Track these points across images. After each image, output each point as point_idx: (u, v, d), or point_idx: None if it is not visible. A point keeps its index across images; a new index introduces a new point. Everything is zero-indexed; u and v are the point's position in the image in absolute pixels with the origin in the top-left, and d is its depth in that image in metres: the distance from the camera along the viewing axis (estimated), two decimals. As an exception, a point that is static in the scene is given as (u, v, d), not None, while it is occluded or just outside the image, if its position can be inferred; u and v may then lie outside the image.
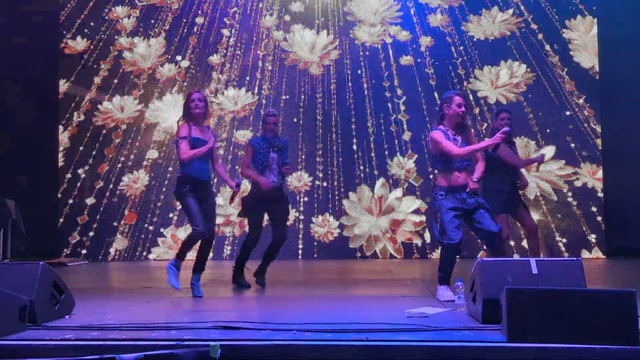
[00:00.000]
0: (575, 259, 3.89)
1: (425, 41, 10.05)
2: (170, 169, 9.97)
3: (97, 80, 10.20)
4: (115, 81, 10.20)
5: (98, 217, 9.91)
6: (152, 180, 9.99)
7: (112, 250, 9.82)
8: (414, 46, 10.05)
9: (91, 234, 9.86)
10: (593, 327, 3.00)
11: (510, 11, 9.98)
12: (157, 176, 10.01)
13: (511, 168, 5.90)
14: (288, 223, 6.45)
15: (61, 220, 9.92)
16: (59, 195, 9.96)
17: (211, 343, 3.01)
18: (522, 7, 9.96)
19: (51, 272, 3.89)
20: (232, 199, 5.46)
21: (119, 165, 10.02)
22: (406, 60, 10.01)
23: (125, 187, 9.97)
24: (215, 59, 10.24)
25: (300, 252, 9.71)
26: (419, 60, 9.97)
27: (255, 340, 3.14)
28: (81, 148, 10.05)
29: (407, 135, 9.84)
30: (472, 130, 5.12)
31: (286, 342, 3.11)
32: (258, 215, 5.89)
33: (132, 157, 10.05)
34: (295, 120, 9.98)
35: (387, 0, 10.26)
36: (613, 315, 3.00)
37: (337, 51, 10.17)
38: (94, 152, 10.06)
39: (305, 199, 9.82)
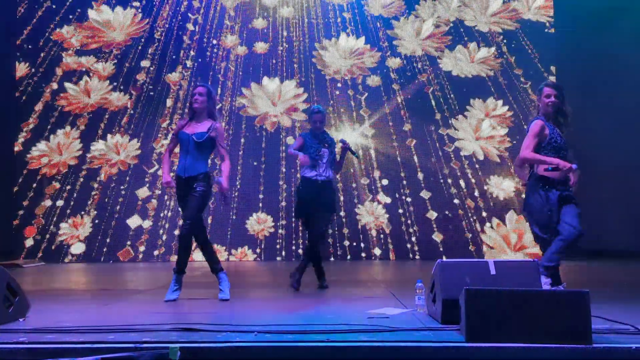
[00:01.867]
0: (531, 260, 3.98)
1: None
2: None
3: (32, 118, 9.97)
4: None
5: (55, 218, 9.68)
6: (112, 183, 9.81)
7: (70, 252, 9.60)
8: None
9: (47, 235, 9.63)
10: (549, 327, 3.07)
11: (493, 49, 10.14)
12: (120, 176, 9.84)
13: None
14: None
15: (15, 222, 9.66)
16: (14, 196, 9.70)
17: (170, 345, 2.98)
18: (504, 49, 10.16)
19: (4, 273, 3.78)
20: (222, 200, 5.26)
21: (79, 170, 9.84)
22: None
23: (84, 187, 9.78)
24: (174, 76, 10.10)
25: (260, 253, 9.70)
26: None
27: (215, 342, 3.12)
28: (39, 144, 9.85)
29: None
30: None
31: (247, 343, 3.10)
32: (307, 208, 5.80)
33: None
34: (255, 163, 9.86)
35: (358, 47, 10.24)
36: (568, 314, 3.08)
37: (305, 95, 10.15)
38: (53, 151, 9.84)
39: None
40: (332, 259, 9.56)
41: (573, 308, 3.10)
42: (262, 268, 8.68)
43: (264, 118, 10.02)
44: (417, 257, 9.57)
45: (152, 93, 10.03)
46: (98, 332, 3.38)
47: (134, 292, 5.78)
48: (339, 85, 10.07)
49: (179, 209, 5.26)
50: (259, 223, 9.71)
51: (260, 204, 9.76)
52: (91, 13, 10.22)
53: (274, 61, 10.14)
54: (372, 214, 9.72)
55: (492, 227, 9.58)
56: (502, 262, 3.95)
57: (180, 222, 4.98)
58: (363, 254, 9.63)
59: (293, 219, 8.75)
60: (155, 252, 9.58)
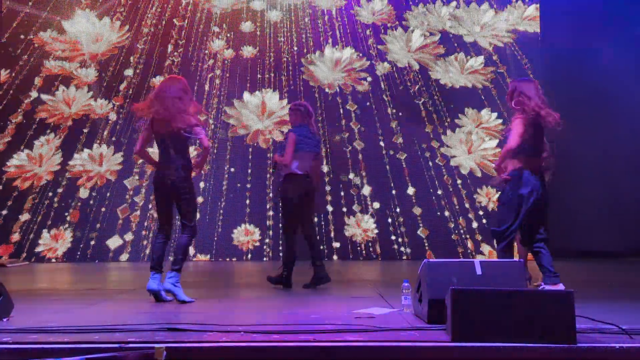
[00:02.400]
0: (517, 260, 4.00)
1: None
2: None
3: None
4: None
5: (40, 217, 9.58)
6: (93, 197, 9.68)
7: (55, 252, 9.51)
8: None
9: (32, 235, 9.53)
10: (534, 326, 3.09)
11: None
12: (102, 189, 9.70)
13: None
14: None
15: (-1, 221, 9.57)
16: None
17: (156, 345, 2.96)
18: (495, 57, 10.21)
19: (-12, 273, 3.74)
20: None
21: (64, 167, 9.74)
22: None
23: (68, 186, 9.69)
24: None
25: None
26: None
27: (201, 342, 3.11)
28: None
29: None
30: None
31: (233, 343, 3.09)
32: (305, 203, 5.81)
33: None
34: (239, 185, 9.77)
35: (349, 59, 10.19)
36: (553, 314, 3.11)
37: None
38: (32, 162, 9.74)
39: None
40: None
41: (558, 308, 3.12)
42: (249, 268, 8.66)
43: (254, 136, 9.87)
44: (404, 257, 9.61)
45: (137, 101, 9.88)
46: (83, 332, 3.35)
47: (119, 291, 5.74)
48: (329, 98, 10.00)
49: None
50: (246, 235, 9.63)
51: (247, 218, 9.68)
52: (70, 24, 9.98)
53: (259, 76, 10.00)
54: (359, 226, 9.71)
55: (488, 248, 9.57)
56: (488, 262, 3.97)
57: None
58: (350, 255, 9.65)
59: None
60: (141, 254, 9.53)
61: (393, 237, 9.68)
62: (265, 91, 9.98)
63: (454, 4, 10.23)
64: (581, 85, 9.39)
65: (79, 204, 9.59)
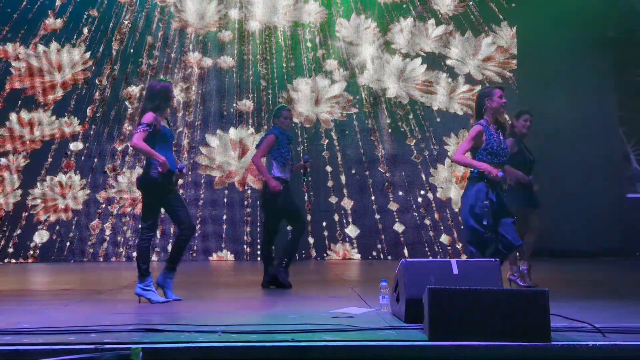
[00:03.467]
0: (492, 260, 4.04)
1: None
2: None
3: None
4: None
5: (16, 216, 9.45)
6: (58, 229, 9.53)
7: (30, 251, 9.37)
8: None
9: (7, 233, 9.39)
10: (509, 325, 3.13)
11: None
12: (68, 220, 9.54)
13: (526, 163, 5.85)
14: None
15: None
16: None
17: (132, 346, 2.94)
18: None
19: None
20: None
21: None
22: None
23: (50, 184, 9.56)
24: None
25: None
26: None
27: (178, 342, 3.08)
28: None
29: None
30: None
31: (211, 344, 3.07)
32: (283, 208, 5.76)
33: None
34: (215, 212, 9.70)
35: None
36: (528, 313, 3.15)
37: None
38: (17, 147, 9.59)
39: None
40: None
41: (533, 306, 3.16)
42: (226, 268, 8.63)
43: (230, 175, 9.78)
44: (382, 256, 9.66)
45: (108, 117, 9.73)
46: (58, 333, 3.30)
47: (95, 292, 5.68)
48: (312, 130, 9.98)
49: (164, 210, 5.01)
50: (220, 261, 9.54)
51: (223, 244, 9.62)
52: (33, 56, 9.75)
53: (233, 111, 9.90)
54: (339, 255, 9.73)
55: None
56: (465, 261, 4.01)
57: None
58: (326, 254, 9.67)
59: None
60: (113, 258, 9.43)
61: (371, 237, 9.72)
62: (238, 130, 9.87)
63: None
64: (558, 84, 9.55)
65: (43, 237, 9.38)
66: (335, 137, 9.96)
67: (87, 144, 9.67)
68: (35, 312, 4.24)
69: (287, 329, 3.38)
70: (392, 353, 3.08)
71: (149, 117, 4.81)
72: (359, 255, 9.68)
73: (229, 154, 9.84)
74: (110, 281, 6.81)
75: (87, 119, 9.73)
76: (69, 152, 9.62)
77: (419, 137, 9.95)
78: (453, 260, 3.91)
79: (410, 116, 10.01)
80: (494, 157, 4.68)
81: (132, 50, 9.89)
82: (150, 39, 9.95)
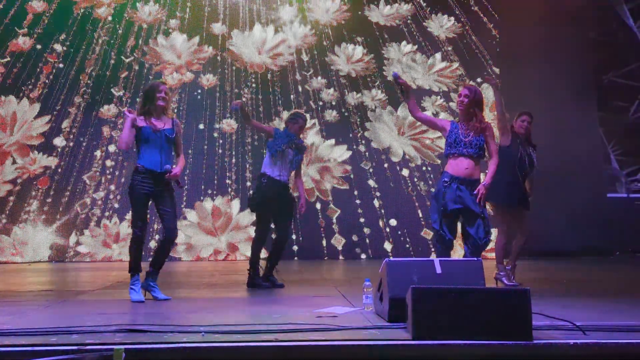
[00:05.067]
0: (475, 259, 4.07)
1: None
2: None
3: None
4: None
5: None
6: (54, 180, 9.50)
7: (11, 251, 9.25)
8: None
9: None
10: (491, 324, 3.15)
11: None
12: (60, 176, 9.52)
13: (512, 158, 5.83)
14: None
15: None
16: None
17: (115, 347, 2.91)
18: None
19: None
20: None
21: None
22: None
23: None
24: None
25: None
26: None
27: (161, 343, 3.07)
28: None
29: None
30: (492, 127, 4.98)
31: (194, 344, 3.06)
32: (265, 207, 5.81)
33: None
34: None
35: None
36: (510, 312, 3.18)
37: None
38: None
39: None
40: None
41: (514, 305, 3.19)
42: (209, 268, 8.59)
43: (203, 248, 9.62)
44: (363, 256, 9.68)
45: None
46: (39, 335, 3.27)
47: (77, 292, 5.63)
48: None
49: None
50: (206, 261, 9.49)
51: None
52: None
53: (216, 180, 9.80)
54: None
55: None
56: (448, 261, 4.03)
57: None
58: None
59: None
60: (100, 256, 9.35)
61: (355, 238, 9.74)
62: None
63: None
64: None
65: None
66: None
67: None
68: (16, 313, 4.19)
69: (271, 329, 3.38)
70: (376, 352, 3.09)
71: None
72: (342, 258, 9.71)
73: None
74: (93, 282, 6.75)
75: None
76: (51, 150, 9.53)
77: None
78: (436, 260, 3.93)
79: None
80: (451, 147, 4.85)
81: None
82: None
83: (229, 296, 5.39)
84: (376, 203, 9.86)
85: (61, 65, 9.73)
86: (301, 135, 6.20)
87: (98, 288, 5.93)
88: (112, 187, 9.51)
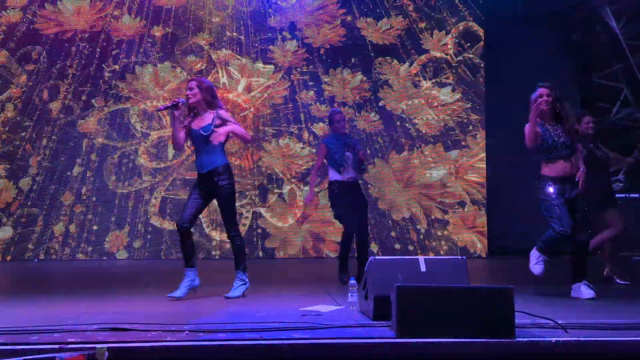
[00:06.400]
0: (459, 257, 4.10)
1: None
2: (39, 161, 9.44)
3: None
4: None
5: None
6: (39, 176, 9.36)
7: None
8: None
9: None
10: (475, 322, 3.18)
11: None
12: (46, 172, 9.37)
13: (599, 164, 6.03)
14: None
15: None
16: None
17: (97, 346, 2.89)
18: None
19: None
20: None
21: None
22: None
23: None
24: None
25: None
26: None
27: (145, 341, 3.05)
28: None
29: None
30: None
31: (178, 343, 3.05)
32: (341, 208, 6.07)
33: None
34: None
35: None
36: (493, 310, 3.20)
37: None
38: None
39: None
40: (260, 255, 9.51)
41: (498, 303, 3.22)
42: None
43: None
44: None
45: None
46: (19, 333, 3.24)
47: (60, 291, 5.57)
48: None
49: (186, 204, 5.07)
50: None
51: None
52: None
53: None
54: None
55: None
56: (432, 259, 4.06)
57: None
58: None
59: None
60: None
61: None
62: None
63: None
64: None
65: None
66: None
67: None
68: (-4, 311, 4.14)
69: (256, 327, 3.37)
70: (360, 350, 3.10)
71: None
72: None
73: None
74: (74, 280, 6.69)
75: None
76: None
77: None
78: (421, 258, 3.95)
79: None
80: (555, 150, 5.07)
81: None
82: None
83: (213, 294, 5.37)
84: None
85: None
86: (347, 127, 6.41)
87: (79, 287, 5.88)
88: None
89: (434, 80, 10.05)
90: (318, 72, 9.79)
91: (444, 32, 10.15)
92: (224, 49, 9.76)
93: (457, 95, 9.99)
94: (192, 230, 4.99)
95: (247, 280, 5.06)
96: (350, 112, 9.67)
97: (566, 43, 10.33)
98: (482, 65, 10.17)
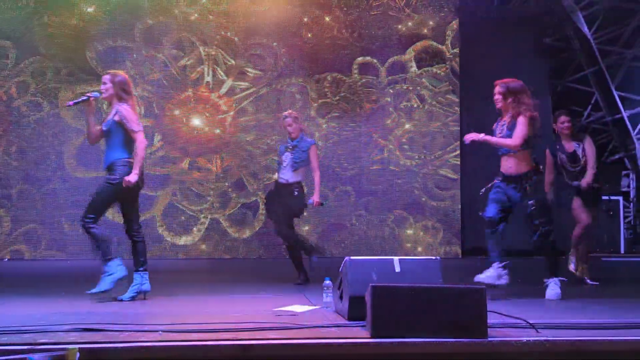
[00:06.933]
0: (434, 258, 4.13)
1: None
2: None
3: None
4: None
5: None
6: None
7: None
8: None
9: None
10: (448, 322, 3.21)
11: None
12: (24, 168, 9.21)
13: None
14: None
15: None
16: None
17: (69, 346, 2.85)
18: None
19: None
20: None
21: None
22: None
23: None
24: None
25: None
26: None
27: (117, 342, 3.02)
28: None
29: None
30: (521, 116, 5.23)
31: (151, 343, 3.02)
32: (268, 205, 6.54)
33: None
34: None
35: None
36: (465, 310, 3.24)
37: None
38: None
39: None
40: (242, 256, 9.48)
41: (470, 303, 3.26)
42: (168, 266, 8.48)
43: None
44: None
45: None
46: (-11, 334, 3.18)
47: (30, 291, 5.48)
48: None
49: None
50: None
51: None
52: None
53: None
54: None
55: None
56: (407, 259, 4.09)
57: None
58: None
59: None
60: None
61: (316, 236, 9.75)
62: None
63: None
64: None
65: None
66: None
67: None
68: (-36, 312, 4.06)
69: (230, 328, 3.36)
70: (335, 350, 3.11)
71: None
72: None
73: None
74: (46, 279, 6.59)
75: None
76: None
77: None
78: (396, 258, 3.97)
79: None
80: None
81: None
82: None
83: (187, 294, 5.34)
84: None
85: None
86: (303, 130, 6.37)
87: (50, 286, 5.78)
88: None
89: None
90: (303, 81, 9.80)
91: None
92: (214, 47, 9.69)
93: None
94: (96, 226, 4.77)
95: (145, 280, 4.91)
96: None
97: (538, 47, 10.48)
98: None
